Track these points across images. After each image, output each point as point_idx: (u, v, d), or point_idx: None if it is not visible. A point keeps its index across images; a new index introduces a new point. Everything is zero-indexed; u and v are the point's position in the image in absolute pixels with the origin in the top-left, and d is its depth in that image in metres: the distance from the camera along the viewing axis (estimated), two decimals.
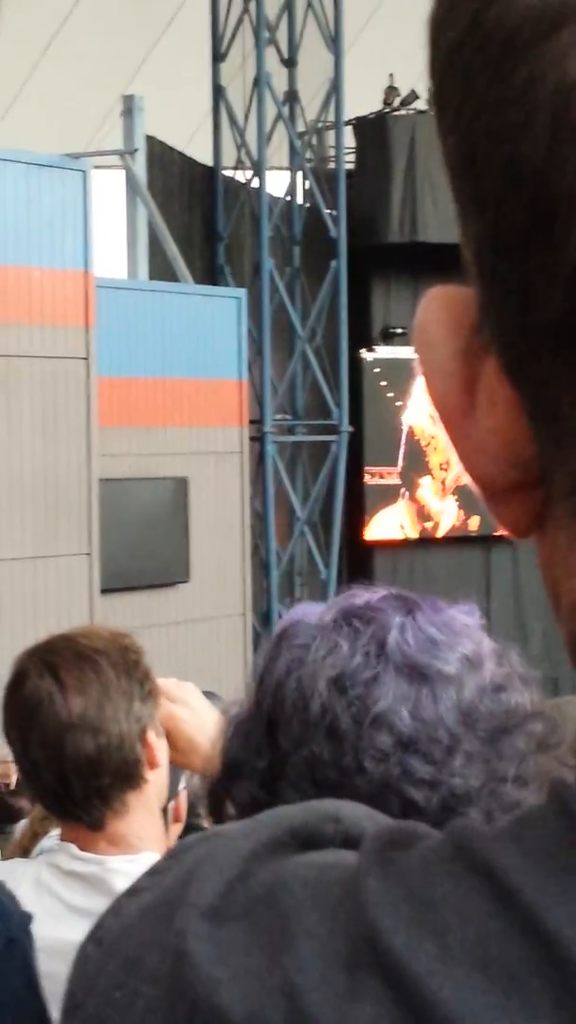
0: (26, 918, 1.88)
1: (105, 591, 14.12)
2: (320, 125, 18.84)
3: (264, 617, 17.84)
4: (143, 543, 15.27)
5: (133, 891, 0.69)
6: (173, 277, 16.90)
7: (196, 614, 15.50)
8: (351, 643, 1.35)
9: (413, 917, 0.58)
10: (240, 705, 1.43)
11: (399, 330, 19.91)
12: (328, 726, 1.33)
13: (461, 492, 20.18)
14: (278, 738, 1.35)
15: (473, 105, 0.57)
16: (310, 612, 1.42)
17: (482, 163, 0.58)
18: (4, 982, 1.83)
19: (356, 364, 19.03)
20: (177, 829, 2.56)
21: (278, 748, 1.35)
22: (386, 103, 19.57)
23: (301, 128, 18.73)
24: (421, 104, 19.55)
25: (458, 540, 19.57)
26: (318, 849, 0.66)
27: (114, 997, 0.65)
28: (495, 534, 20.22)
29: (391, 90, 19.64)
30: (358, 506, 19.31)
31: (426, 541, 19.52)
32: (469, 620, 1.40)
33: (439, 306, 0.62)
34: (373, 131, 19.45)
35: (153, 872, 0.70)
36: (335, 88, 18.23)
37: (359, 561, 18.54)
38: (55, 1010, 2.00)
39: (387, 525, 19.71)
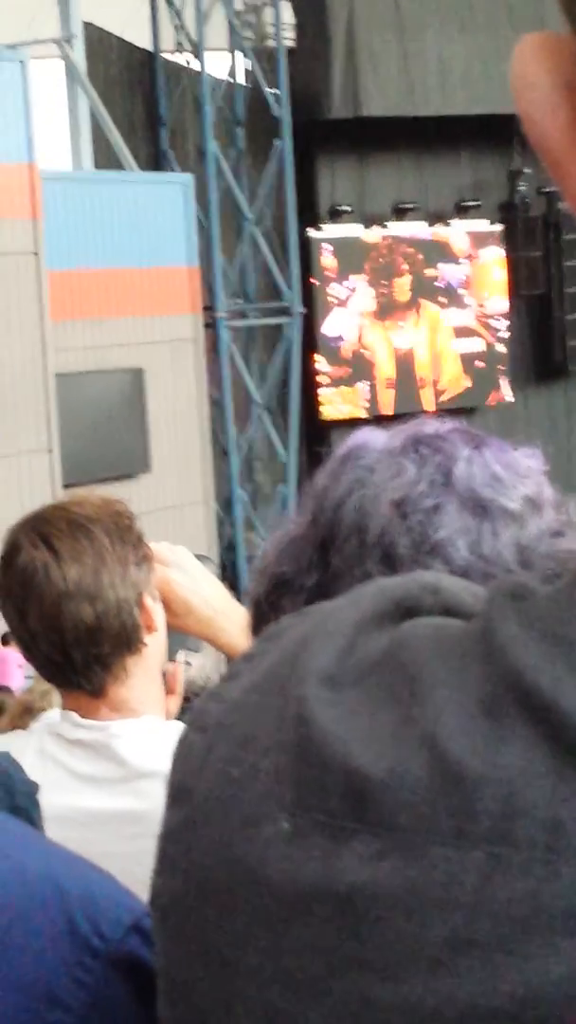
0: (32, 786, 1.87)
1: (67, 485, 14.09)
2: (258, 3, 18.57)
3: (226, 503, 17.85)
4: (102, 436, 15.22)
5: (231, 676, 0.68)
6: (118, 165, 16.71)
7: (159, 503, 15.49)
8: (418, 469, 1.32)
9: (555, 656, 0.58)
10: (292, 522, 1.40)
11: (346, 207, 19.76)
12: (385, 549, 1.30)
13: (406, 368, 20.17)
14: (331, 557, 1.33)
15: None
16: (376, 435, 1.38)
17: None
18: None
19: (305, 244, 18.91)
20: (174, 702, 2.56)
21: (329, 566, 1.33)
22: None
23: (239, 7, 18.46)
24: None
25: (414, 415, 19.52)
26: (418, 618, 0.65)
27: (230, 775, 0.64)
28: (450, 407, 20.27)
29: None
30: (313, 387, 19.26)
31: (382, 418, 19.50)
32: (533, 463, 1.36)
33: (535, 47, 0.60)
34: (311, 6, 19.17)
35: (249, 656, 0.69)
36: None
37: (317, 442, 18.51)
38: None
39: (343, 404, 19.69)
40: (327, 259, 19.64)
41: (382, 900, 0.58)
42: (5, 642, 10.87)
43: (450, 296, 20.59)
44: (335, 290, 19.72)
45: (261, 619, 1.41)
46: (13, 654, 10.71)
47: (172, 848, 0.67)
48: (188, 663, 2.65)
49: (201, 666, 4.76)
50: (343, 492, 1.34)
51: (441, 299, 20.50)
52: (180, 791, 0.67)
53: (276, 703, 0.63)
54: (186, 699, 4.54)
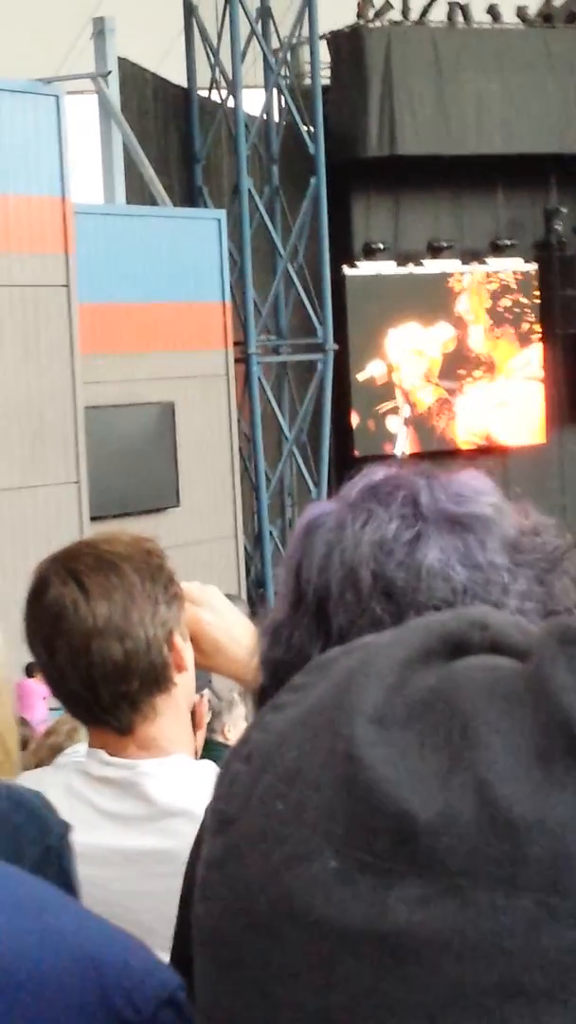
0: (65, 827, 1.86)
1: (95, 518, 14.11)
2: (294, 41, 18.65)
3: (255, 539, 17.85)
4: (131, 469, 15.25)
5: (276, 707, 0.68)
6: (151, 200, 16.79)
7: (188, 538, 15.49)
8: (385, 508, 1.33)
9: None
10: (271, 612, 1.40)
11: (380, 245, 19.80)
12: (383, 589, 1.30)
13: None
14: (331, 618, 1.33)
15: None
16: (325, 505, 1.40)
17: None
18: None
19: (338, 281, 18.95)
20: (200, 736, 2.55)
21: (332, 628, 1.33)
22: (360, 16, 19.37)
23: (275, 45, 18.55)
24: (395, 15, 19.37)
25: (446, 454, 19.55)
26: (467, 655, 0.65)
27: (275, 808, 0.63)
28: (484, 446, 20.27)
29: (365, 2, 19.44)
30: (346, 423, 19.27)
31: (415, 456, 19.49)
32: (482, 482, 1.39)
33: None
34: (348, 45, 19.27)
35: (295, 687, 0.68)
36: (308, 2, 18.03)
37: (348, 479, 18.49)
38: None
39: (376, 440, 19.70)
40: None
41: (430, 944, 0.58)
42: (29, 674, 10.86)
43: (484, 335, 20.60)
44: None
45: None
46: (38, 686, 10.70)
47: (215, 876, 0.66)
48: (209, 700, 2.64)
49: (208, 700, 4.74)
50: (321, 556, 1.34)
51: (475, 338, 20.51)
52: (223, 820, 0.66)
53: (324, 739, 0.63)
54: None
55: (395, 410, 19.87)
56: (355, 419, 19.59)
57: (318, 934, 0.60)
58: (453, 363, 20.34)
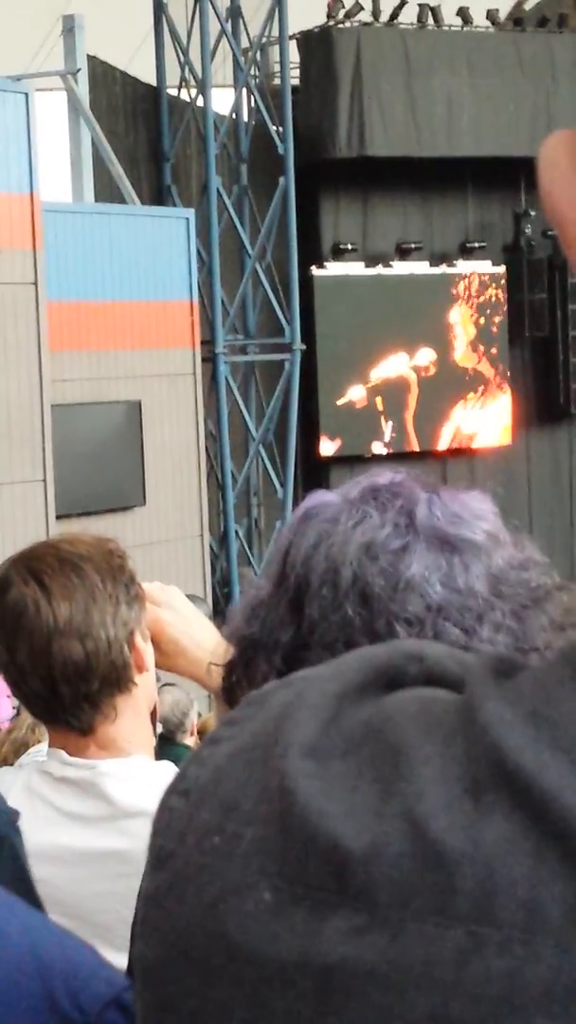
0: (14, 814, 1.86)
1: (61, 516, 14.08)
2: (264, 40, 18.65)
3: (221, 538, 17.85)
4: (97, 467, 15.23)
5: (213, 741, 0.68)
6: (119, 199, 16.77)
7: (153, 537, 15.48)
8: (380, 514, 1.35)
9: (538, 736, 0.58)
10: (256, 588, 1.42)
11: (349, 246, 19.80)
12: (360, 591, 1.32)
13: (420, 408, 20.18)
14: (305, 608, 1.35)
15: None
16: (329, 495, 1.42)
17: None
18: None
19: (307, 282, 18.95)
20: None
21: (304, 618, 1.35)
22: (330, 16, 19.37)
23: (245, 44, 18.54)
24: (366, 16, 19.38)
25: (413, 455, 19.55)
26: (403, 688, 0.65)
27: (212, 843, 0.63)
28: (453, 448, 20.30)
29: (335, 2, 19.43)
30: (312, 424, 19.27)
31: (381, 457, 19.50)
32: (484, 505, 1.41)
33: (563, 138, 0.68)
34: (318, 45, 19.26)
35: (232, 721, 0.68)
36: (278, 2, 18.03)
37: (315, 479, 18.51)
38: (52, 914, 1.99)
39: (342, 442, 19.69)
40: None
41: (362, 975, 0.58)
42: None
43: (453, 337, 20.60)
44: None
45: (233, 682, 1.43)
46: (1, 684, 10.67)
47: (153, 913, 0.66)
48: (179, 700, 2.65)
49: (175, 702, 4.75)
50: (309, 546, 1.36)
51: (443, 339, 20.50)
52: (161, 856, 0.66)
53: (259, 773, 0.63)
54: (161, 736, 4.50)
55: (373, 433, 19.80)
56: (323, 427, 19.53)
57: (254, 968, 0.60)
58: (438, 382, 20.28)
